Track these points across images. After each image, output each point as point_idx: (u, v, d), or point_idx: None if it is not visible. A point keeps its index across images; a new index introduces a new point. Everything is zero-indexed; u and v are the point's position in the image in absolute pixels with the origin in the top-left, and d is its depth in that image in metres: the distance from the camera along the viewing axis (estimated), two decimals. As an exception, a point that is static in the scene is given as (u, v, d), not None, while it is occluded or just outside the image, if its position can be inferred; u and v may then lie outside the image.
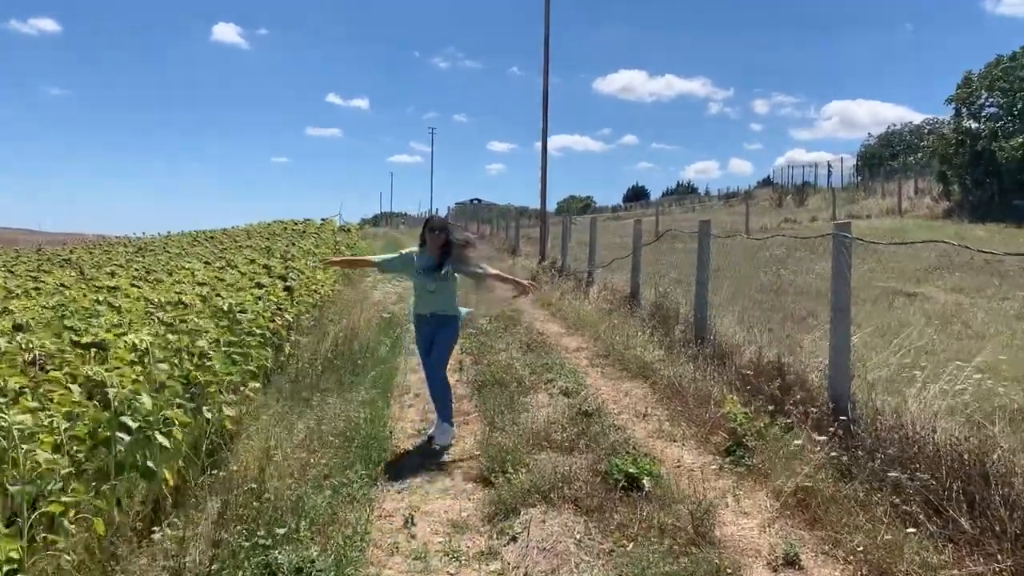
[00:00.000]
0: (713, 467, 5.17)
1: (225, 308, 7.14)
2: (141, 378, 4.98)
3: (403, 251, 6.54)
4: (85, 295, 10.22)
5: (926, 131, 58.67)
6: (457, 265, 5.98)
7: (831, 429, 4.99)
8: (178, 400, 5.29)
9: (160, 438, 4.87)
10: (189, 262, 15.61)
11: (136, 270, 14.60)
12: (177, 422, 5.17)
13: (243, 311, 7.19)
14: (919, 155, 53.76)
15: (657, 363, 7.60)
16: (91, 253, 22.65)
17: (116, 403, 4.60)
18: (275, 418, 6.10)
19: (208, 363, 5.86)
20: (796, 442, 4.90)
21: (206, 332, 6.19)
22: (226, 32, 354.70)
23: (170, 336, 5.93)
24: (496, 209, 36.91)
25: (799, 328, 8.41)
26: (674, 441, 5.69)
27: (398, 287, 15.95)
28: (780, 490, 4.62)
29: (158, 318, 6.16)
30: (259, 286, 8.94)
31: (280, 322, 8.64)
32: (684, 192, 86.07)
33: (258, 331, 7.36)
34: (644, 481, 4.67)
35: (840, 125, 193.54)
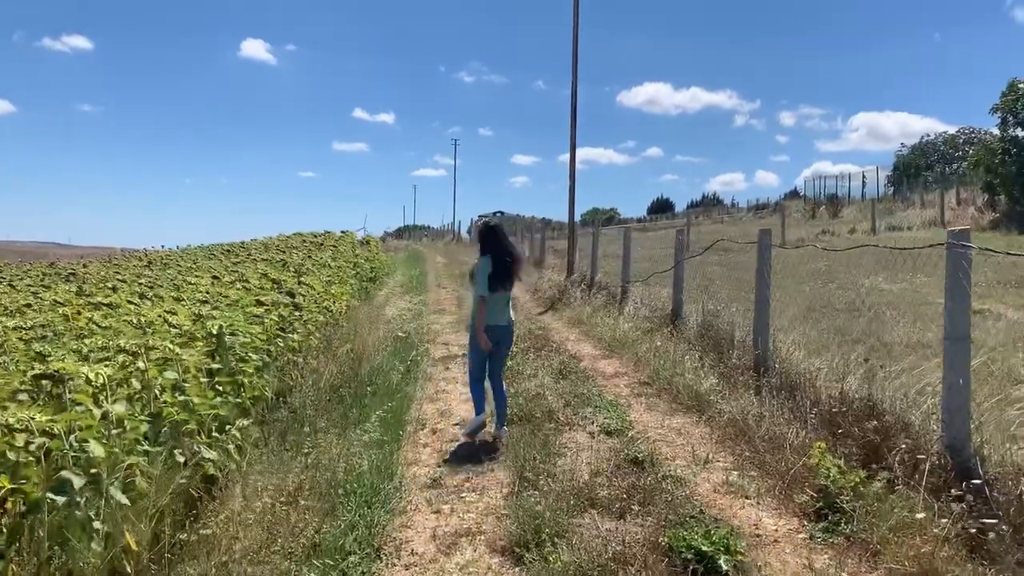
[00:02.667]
0: (801, 535, 4.11)
1: (214, 331, 6.19)
2: (92, 420, 4.05)
3: (478, 265, 6.12)
4: (79, 312, 9.36)
5: (961, 141, 57.09)
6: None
7: (954, 491, 3.93)
8: (143, 445, 4.36)
9: (116, 494, 3.92)
10: (198, 276, 14.78)
11: (141, 285, 13.79)
12: (139, 472, 4.24)
13: (233, 333, 6.23)
14: (956, 165, 52.22)
15: (712, 394, 6.53)
16: (105, 267, 21.95)
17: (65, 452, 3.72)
18: (267, 462, 5.13)
19: (184, 397, 4.93)
20: (918, 515, 3.82)
21: (180, 360, 5.23)
22: (254, 48, 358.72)
23: (139, 364, 5.00)
24: (521, 221, 35.91)
25: (883, 356, 7.34)
26: (747, 498, 4.62)
27: (414, 302, 14.99)
28: (897, 574, 3.56)
29: (118, 345, 5.20)
30: (260, 303, 7.99)
31: (283, 344, 7.71)
32: (709, 204, 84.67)
33: (254, 356, 6.42)
34: (721, 561, 3.63)
35: (867, 137, 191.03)
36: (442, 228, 64.66)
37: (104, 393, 4.27)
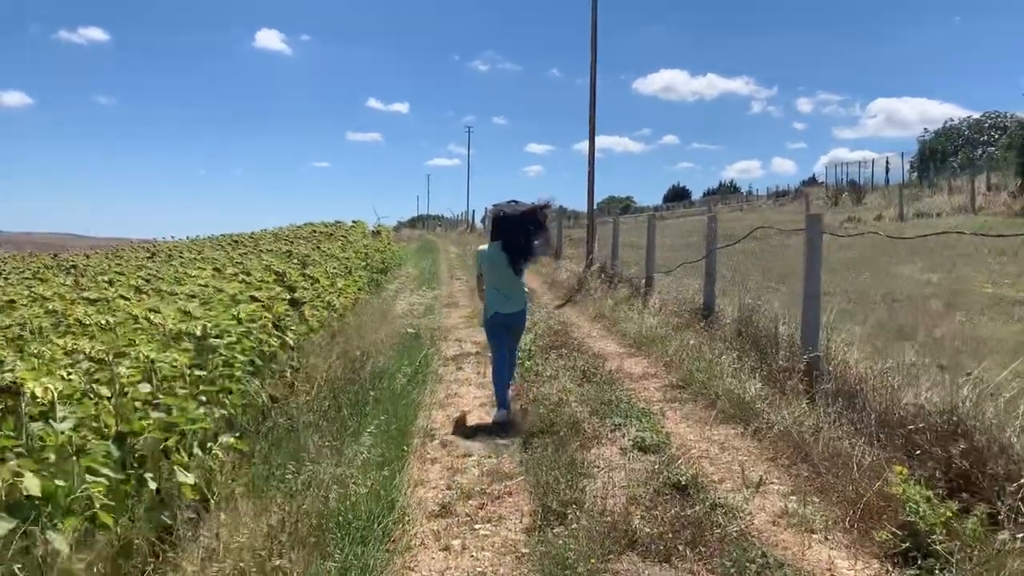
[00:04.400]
0: (887, 585, 3.38)
1: (198, 332, 5.51)
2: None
3: (483, 249, 6.52)
4: (68, 308, 8.74)
5: (987, 125, 55.74)
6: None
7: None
8: (106, 470, 3.70)
9: (55, 540, 3.24)
10: (201, 268, 14.14)
11: (141, 278, 13.17)
12: (99, 504, 3.58)
13: (219, 335, 5.56)
14: (981, 150, 50.94)
15: (758, 402, 5.78)
16: (107, 259, 21.39)
17: None
18: (252, 486, 4.44)
19: (156, 414, 4.27)
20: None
21: (156, 367, 4.57)
22: (269, 38, 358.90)
23: (100, 376, 4.35)
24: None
25: (942, 355, 6.58)
26: (812, 532, 3.89)
27: (425, 295, 14.29)
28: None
29: (85, 352, 4.52)
30: (255, 299, 7.30)
31: (279, 344, 7.03)
32: (726, 192, 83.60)
33: (243, 359, 5.75)
34: (798, 628, 2.90)
35: (885, 123, 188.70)
36: (456, 218, 63.92)
37: (52, 412, 3.62)
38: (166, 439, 4.17)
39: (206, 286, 9.36)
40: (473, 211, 56.15)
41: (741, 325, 7.59)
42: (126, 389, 4.23)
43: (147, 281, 12.17)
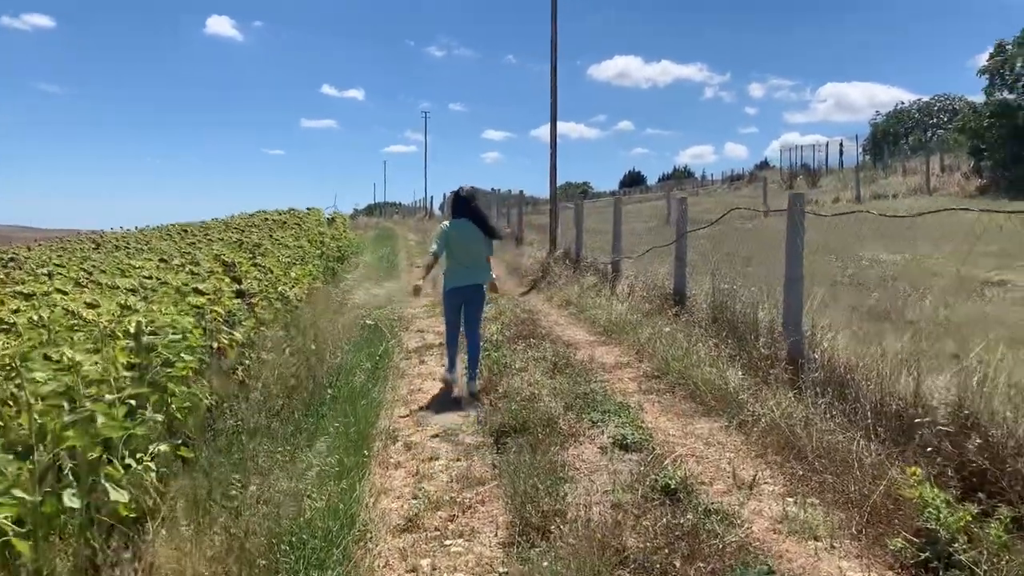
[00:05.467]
0: (907, 599, 3.05)
1: (132, 329, 4.99)
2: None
3: (443, 227, 6.66)
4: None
5: (936, 108, 56.57)
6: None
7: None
8: (18, 490, 3.24)
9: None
10: (148, 259, 13.46)
11: (83, 270, 12.46)
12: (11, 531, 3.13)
13: (154, 332, 5.04)
14: (931, 133, 51.68)
15: (741, 393, 5.45)
16: (52, 251, 20.45)
17: None
18: (192, 501, 3.97)
19: (71, 417, 3.77)
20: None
21: (79, 369, 4.07)
22: (220, 25, 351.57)
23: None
24: (495, 196, 34.68)
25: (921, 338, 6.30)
26: (817, 539, 3.55)
27: (384, 283, 13.79)
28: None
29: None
30: (199, 292, 6.77)
31: (227, 340, 6.53)
32: (680, 176, 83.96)
33: (187, 358, 5.24)
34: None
35: (835, 108, 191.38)
36: (414, 205, 63.13)
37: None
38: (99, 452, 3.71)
39: (150, 278, 8.78)
40: (431, 197, 55.46)
41: (716, 311, 7.26)
42: (40, 396, 3.74)
43: (88, 274, 11.49)
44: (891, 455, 4.16)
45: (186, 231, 22.95)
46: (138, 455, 4.17)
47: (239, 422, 5.36)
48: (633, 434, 4.89)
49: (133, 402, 4.35)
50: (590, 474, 4.33)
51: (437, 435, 5.28)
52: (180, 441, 4.78)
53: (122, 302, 6.42)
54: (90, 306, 6.26)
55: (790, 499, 3.98)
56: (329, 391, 6.08)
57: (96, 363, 4.32)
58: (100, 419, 3.83)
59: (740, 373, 5.86)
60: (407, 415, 5.80)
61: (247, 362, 6.68)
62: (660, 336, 7.31)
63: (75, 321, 5.73)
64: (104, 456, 3.85)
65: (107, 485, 3.74)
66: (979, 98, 33.41)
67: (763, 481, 4.23)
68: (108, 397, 4.06)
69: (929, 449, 3.87)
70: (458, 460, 4.77)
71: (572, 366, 6.82)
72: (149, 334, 5.09)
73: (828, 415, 4.78)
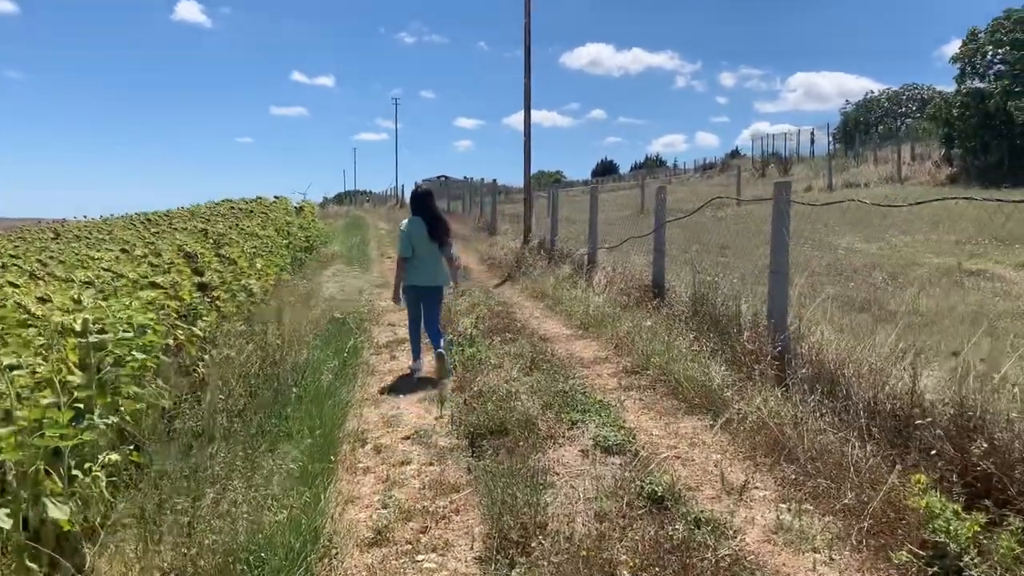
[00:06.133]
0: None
1: (77, 327, 4.65)
2: None
3: (403, 225, 6.93)
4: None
5: (904, 97, 57.02)
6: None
7: None
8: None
9: None
10: (109, 249, 12.98)
11: (38, 261, 11.97)
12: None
13: (103, 331, 4.71)
14: (901, 121, 52.08)
15: (725, 390, 5.23)
16: (9, 240, 19.80)
17: None
18: (140, 516, 3.67)
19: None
20: None
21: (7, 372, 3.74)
22: (189, 10, 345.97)
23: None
24: (467, 185, 34.30)
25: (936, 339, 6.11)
26: (815, 551, 3.32)
27: (354, 274, 13.45)
28: None
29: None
30: (155, 285, 6.43)
31: (185, 336, 6.20)
32: (652, 165, 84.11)
33: (139, 357, 4.91)
34: None
35: (804, 97, 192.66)
36: (384, 193, 62.51)
37: None
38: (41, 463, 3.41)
39: (108, 270, 8.39)
40: (403, 186, 54.83)
41: (697, 303, 7.04)
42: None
43: (44, 265, 11.03)
44: (888, 457, 3.96)
45: (150, 220, 22.37)
46: (87, 464, 3.87)
47: (198, 423, 5.06)
48: (615, 435, 4.65)
49: (80, 406, 4.04)
50: (571, 480, 4.07)
51: (408, 437, 5.00)
52: (133, 447, 4.49)
53: (74, 296, 6.06)
54: (41, 300, 5.89)
55: (783, 505, 3.76)
56: (295, 390, 5.76)
57: (40, 364, 4.00)
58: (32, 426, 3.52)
59: (724, 369, 5.64)
60: (377, 416, 5.52)
61: (206, 358, 6.35)
62: (640, 330, 7.07)
63: (26, 316, 5.37)
64: (42, 468, 3.55)
65: (47, 501, 3.43)
66: (949, 87, 33.74)
67: (753, 486, 4.01)
68: (45, 401, 3.73)
69: (932, 452, 3.65)
70: (431, 464, 4.50)
71: (549, 362, 6.57)
72: (99, 332, 4.75)
73: (818, 414, 4.57)
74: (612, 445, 4.51)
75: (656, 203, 8.65)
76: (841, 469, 3.93)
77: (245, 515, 3.54)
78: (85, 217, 30.57)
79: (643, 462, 4.23)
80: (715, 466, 4.27)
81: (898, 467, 3.74)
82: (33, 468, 3.42)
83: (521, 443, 4.50)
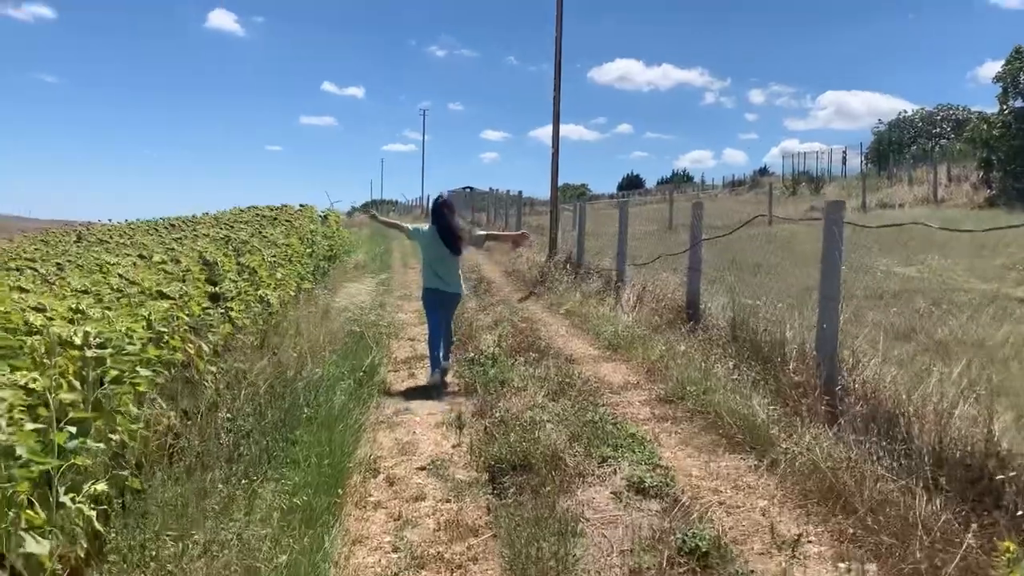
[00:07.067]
0: None
1: (77, 340, 4.33)
2: None
3: (422, 227, 7.30)
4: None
5: (939, 118, 56.12)
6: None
7: None
8: None
9: None
10: (128, 254, 12.76)
11: (56, 265, 11.77)
12: None
13: (103, 345, 4.38)
14: (935, 142, 51.19)
15: (771, 426, 4.80)
16: (32, 243, 19.73)
17: None
18: (126, 555, 3.32)
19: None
20: None
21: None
22: (222, 19, 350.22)
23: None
24: (492, 196, 34.05)
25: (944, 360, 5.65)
26: (883, 625, 2.90)
27: (376, 285, 13.12)
28: None
29: None
30: (163, 296, 6.11)
31: (195, 350, 5.87)
32: (679, 180, 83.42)
33: (143, 373, 4.58)
34: None
35: (835, 115, 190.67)
36: (410, 203, 62.45)
37: None
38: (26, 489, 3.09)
39: (122, 276, 8.11)
40: (428, 196, 54.67)
41: (736, 328, 6.61)
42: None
43: (60, 269, 10.80)
44: (959, 513, 3.52)
45: (174, 226, 22.25)
46: (71, 494, 3.53)
47: (203, 442, 4.74)
48: (650, 475, 4.24)
49: (73, 429, 3.70)
50: (603, 527, 3.67)
51: (424, 467, 4.63)
52: (128, 472, 4.16)
53: (74, 306, 5.75)
54: (37, 310, 5.58)
55: (842, 565, 3.33)
56: (306, 410, 5.41)
57: (35, 380, 3.67)
58: (20, 449, 3.20)
59: (767, 401, 5.22)
60: (391, 441, 5.15)
61: (215, 371, 6.03)
62: (674, 354, 6.66)
63: (19, 326, 5.06)
64: (24, 497, 3.22)
65: (25, 535, 3.10)
66: (986, 108, 32.93)
67: (807, 539, 3.58)
68: (29, 426, 3.39)
69: (1021, 514, 3.21)
70: (447, 501, 4.12)
71: (576, 386, 6.16)
72: (98, 346, 4.43)
73: (875, 457, 4.14)
74: (648, 487, 4.10)
75: (692, 220, 8.23)
76: (906, 524, 3.50)
77: (237, 560, 3.17)
78: (110, 221, 30.62)
79: (683, 509, 3.82)
80: (763, 515, 3.85)
81: (973, 526, 3.30)
82: (10, 497, 3.09)
83: (547, 483, 4.10)
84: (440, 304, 6.94)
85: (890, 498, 3.74)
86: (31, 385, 3.43)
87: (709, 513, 3.81)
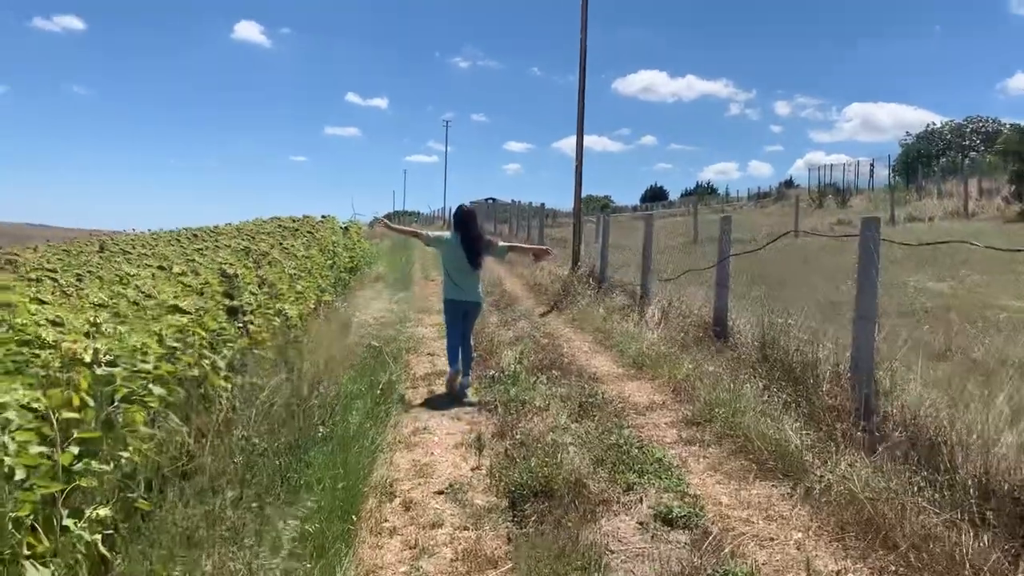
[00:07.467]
0: None
1: (87, 357, 4.21)
2: None
3: (443, 235, 7.34)
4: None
5: (968, 130, 55.43)
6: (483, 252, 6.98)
7: None
8: None
9: None
10: (148, 265, 12.73)
11: (76, 275, 11.75)
12: None
13: (113, 363, 4.26)
14: (964, 154, 50.53)
15: (805, 452, 4.58)
16: (55, 252, 19.83)
17: None
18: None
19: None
20: None
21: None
22: (248, 30, 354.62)
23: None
24: (515, 208, 33.93)
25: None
26: (932, 676, 2.69)
27: (396, 298, 13.00)
28: None
29: None
30: (178, 310, 6.00)
31: (210, 366, 5.75)
32: (703, 193, 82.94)
33: (156, 392, 4.47)
34: None
35: (860, 128, 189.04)
36: (432, 214, 62.57)
37: None
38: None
39: (139, 288, 8.02)
40: (450, 208, 54.75)
41: (767, 347, 6.40)
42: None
43: (79, 280, 10.77)
44: (1009, 552, 3.31)
45: (196, 236, 22.29)
46: (74, 520, 3.41)
47: (216, 461, 4.61)
48: (679, 504, 4.04)
49: (76, 450, 3.58)
50: (630, 561, 3.48)
51: (442, 491, 4.46)
52: (137, 494, 4.03)
53: (92, 319, 5.65)
54: (54, 323, 5.48)
55: (885, 607, 3.12)
56: (321, 429, 5.27)
57: (39, 399, 3.56)
58: (19, 473, 3.10)
59: (799, 425, 5.00)
60: (408, 462, 4.99)
61: (230, 387, 5.91)
62: (701, 374, 6.45)
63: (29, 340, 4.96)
64: (27, 521, 3.11)
65: (26, 562, 2.98)
66: (1018, 119, 32.42)
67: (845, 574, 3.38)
68: (34, 450, 3.27)
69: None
70: (466, 529, 3.95)
71: (600, 406, 5.98)
72: (108, 363, 4.32)
73: (916, 488, 3.92)
74: (676, 517, 3.90)
75: (720, 234, 8.03)
76: (952, 562, 3.28)
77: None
78: (134, 230, 30.81)
79: (714, 543, 3.62)
80: (798, 548, 3.64)
81: (1026, 567, 3.09)
82: (10, 522, 2.98)
83: (570, 512, 3.92)
84: (461, 314, 6.91)
85: (934, 533, 3.52)
86: (33, 405, 3.32)
87: (741, 547, 3.61)
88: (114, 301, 7.12)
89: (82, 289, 9.32)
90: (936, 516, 3.66)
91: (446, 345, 7.05)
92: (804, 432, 4.87)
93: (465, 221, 6.95)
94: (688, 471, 4.66)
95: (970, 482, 3.78)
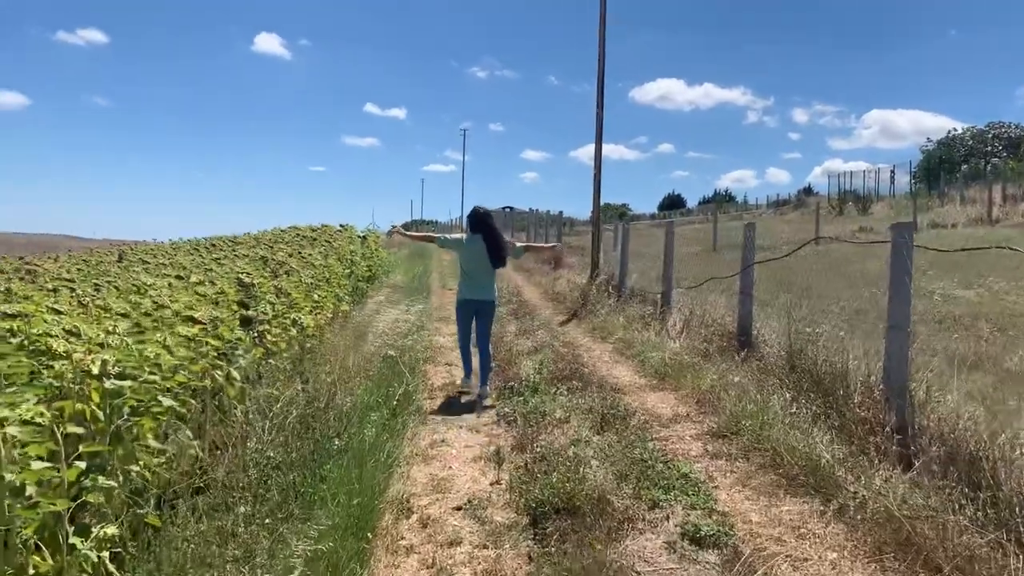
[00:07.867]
0: None
1: (95, 369, 4.10)
2: None
3: (460, 236, 7.52)
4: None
5: (990, 136, 54.86)
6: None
7: None
8: None
9: None
10: (166, 275, 12.70)
11: (95, 285, 11.73)
12: None
13: (122, 375, 4.16)
14: (986, 160, 49.96)
15: (839, 467, 4.40)
16: (76, 262, 19.91)
17: None
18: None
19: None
20: None
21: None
22: (268, 42, 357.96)
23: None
24: (532, 216, 33.83)
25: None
26: None
27: (413, 308, 12.88)
28: None
29: None
30: (192, 320, 5.91)
31: (224, 377, 5.65)
32: (721, 200, 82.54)
33: (166, 403, 4.37)
34: None
35: (879, 134, 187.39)
36: (449, 223, 62.60)
37: None
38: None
39: (152, 299, 7.95)
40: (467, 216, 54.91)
41: (794, 357, 6.21)
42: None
43: (97, 290, 10.74)
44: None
45: (215, 245, 22.32)
46: (80, 538, 3.30)
47: (229, 475, 4.51)
48: (707, 523, 3.88)
49: (83, 464, 3.47)
50: (657, 584, 3.33)
51: (460, 507, 4.32)
52: (146, 510, 3.92)
53: (111, 328, 5.56)
54: (71, 333, 5.40)
55: (929, 635, 2.95)
56: (336, 441, 5.15)
57: (42, 414, 3.44)
58: (30, 489, 2.99)
59: (830, 439, 4.82)
60: (426, 476, 4.85)
61: (244, 398, 5.80)
62: (726, 385, 6.28)
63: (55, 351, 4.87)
64: (32, 540, 3.00)
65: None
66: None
67: (886, 602, 3.20)
68: (36, 466, 3.15)
69: None
70: (485, 547, 3.80)
71: (622, 418, 5.81)
72: (118, 376, 4.21)
73: (957, 506, 3.74)
74: (704, 536, 3.74)
75: (744, 241, 7.85)
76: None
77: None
78: (155, 240, 30.92)
79: (745, 564, 3.45)
80: (833, 569, 3.47)
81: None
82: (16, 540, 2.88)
83: (593, 530, 3.76)
84: (475, 314, 7.04)
85: (978, 554, 3.34)
86: (36, 419, 3.21)
87: (775, 568, 3.44)
88: (129, 311, 7.05)
89: (97, 299, 9.27)
90: (980, 536, 3.48)
91: (459, 348, 7.22)
92: (835, 446, 4.69)
93: (486, 220, 7.05)
94: (716, 486, 4.49)
95: (1015, 499, 3.60)
